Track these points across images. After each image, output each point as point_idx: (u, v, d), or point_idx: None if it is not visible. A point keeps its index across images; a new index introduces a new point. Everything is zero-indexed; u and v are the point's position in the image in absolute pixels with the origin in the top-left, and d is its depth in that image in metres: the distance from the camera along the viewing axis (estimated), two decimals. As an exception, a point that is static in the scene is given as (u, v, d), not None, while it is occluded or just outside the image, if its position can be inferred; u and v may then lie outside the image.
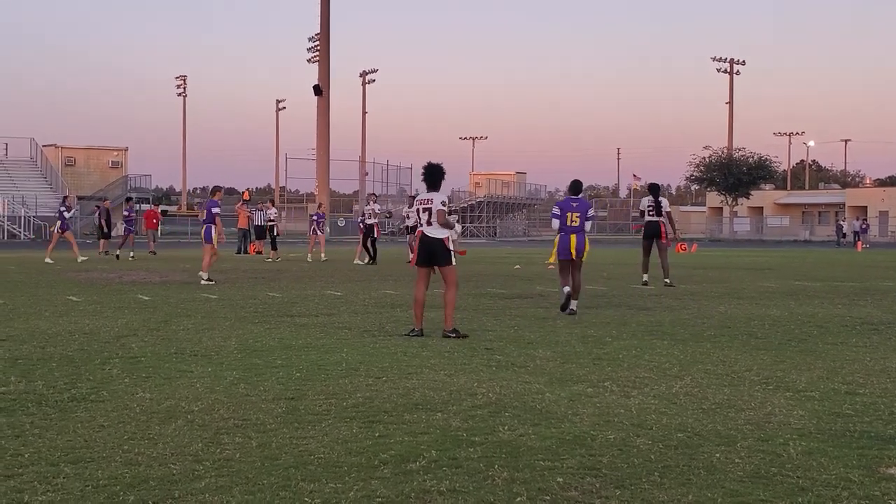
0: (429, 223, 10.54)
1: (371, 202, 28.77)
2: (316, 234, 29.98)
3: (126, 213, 30.80)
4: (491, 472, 4.96)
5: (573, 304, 12.98)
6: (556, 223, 13.47)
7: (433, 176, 10.68)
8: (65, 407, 6.56)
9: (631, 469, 5.05)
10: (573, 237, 13.26)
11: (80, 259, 27.00)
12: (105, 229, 34.01)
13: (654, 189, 19.17)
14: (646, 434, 5.82)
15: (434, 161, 10.84)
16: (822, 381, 7.72)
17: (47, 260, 26.66)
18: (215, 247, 19.03)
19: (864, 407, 6.74)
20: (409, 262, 11.32)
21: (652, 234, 18.54)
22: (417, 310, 10.53)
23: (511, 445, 5.53)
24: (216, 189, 20.36)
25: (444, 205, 10.51)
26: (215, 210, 19.03)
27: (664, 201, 18.66)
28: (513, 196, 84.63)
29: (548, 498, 4.58)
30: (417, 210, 10.72)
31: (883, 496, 4.64)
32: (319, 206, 33.61)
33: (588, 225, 13.45)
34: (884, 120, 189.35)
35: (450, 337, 10.22)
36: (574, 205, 13.49)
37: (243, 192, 42.67)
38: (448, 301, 10.43)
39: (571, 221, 13.31)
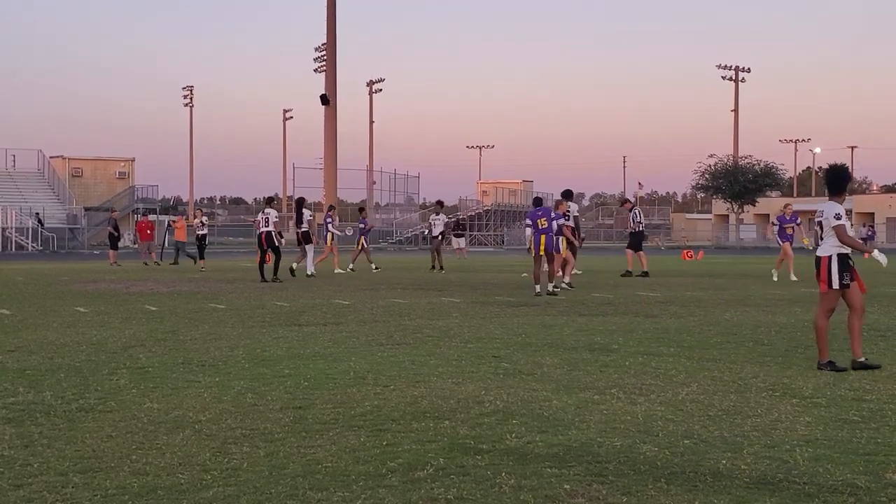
0: (821, 238, 8.98)
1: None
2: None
3: (361, 224, 30.25)
4: (498, 480, 4.97)
5: (550, 286, 17.78)
6: (528, 230, 18.42)
7: (833, 180, 9.01)
8: (73, 417, 6.59)
9: (637, 476, 5.06)
10: (543, 237, 17.89)
11: (337, 270, 26.55)
12: (116, 234, 34.10)
13: (567, 195, 20.81)
14: (652, 441, 5.84)
15: (837, 163, 9.19)
16: (829, 388, 7.72)
17: (340, 270, 26.55)
18: (564, 253, 20.09)
19: (871, 413, 6.75)
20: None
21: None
22: (820, 340, 8.91)
23: (518, 453, 5.55)
24: (560, 201, 22.05)
25: (837, 218, 8.78)
26: (560, 221, 20.22)
27: (573, 206, 20.80)
28: (520, 204, 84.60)
29: (554, 505, 4.59)
30: (820, 223, 9.02)
31: (889, 502, 4.65)
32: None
33: (555, 224, 17.93)
34: (890, 126, 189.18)
35: (859, 368, 8.68)
36: (539, 213, 18.27)
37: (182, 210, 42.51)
38: (849, 327, 8.96)
39: (541, 225, 17.95)
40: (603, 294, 18.11)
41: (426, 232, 30.46)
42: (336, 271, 26.36)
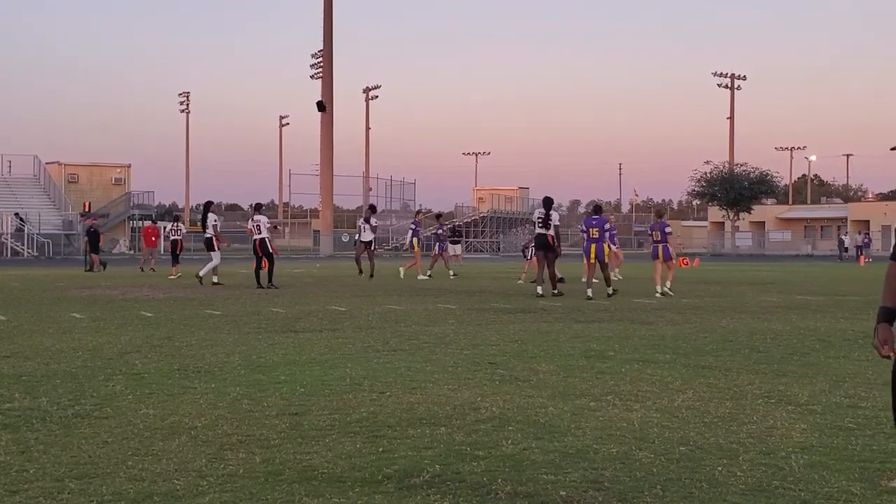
0: None
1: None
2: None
3: (438, 230, 30.21)
4: (494, 487, 4.98)
5: (609, 289, 19.00)
6: (584, 234, 19.36)
7: None
8: (69, 423, 6.58)
9: (633, 482, 5.07)
10: (593, 245, 18.94)
11: (420, 277, 26.96)
12: (89, 244, 34.05)
13: (546, 202, 20.30)
14: (648, 447, 5.84)
15: None
16: (824, 395, 7.74)
17: (423, 276, 26.96)
18: (673, 262, 20.83)
19: (867, 420, 6.76)
20: None
21: (541, 246, 19.74)
22: None
23: (514, 459, 5.55)
24: (661, 211, 23.12)
25: None
26: (668, 230, 20.76)
27: (554, 215, 20.01)
28: (516, 211, 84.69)
29: (551, 512, 4.59)
30: None
31: (885, 509, 4.66)
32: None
33: (607, 235, 19.19)
34: (885, 134, 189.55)
35: None
36: (593, 222, 19.22)
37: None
38: None
39: (592, 234, 18.97)
40: (599, 301, 18.12)
41: (356, 236, 30.08)
42: (419, 277, 26.76)
